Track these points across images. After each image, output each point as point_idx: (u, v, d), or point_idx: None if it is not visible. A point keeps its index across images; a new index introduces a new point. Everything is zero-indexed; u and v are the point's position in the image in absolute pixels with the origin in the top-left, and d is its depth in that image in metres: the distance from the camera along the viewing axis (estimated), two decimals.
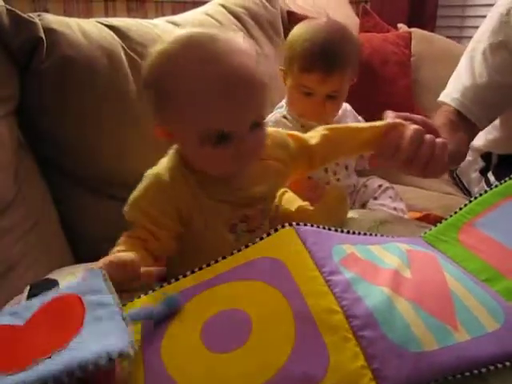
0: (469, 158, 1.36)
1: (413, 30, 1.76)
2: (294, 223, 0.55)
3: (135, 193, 0.65)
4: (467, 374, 0.44)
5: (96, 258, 0.67)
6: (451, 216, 0.66)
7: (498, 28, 1.00)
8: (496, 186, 0.67)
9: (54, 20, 0.84)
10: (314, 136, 0.76)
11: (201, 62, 0.58)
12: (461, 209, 0.66)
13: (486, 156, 1.30)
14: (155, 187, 0.64)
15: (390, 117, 0.73)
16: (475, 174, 1.34)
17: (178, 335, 0.48)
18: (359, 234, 0.59)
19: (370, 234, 0.61)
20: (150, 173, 0.66)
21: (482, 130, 1.06)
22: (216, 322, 0.47)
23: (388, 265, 0.52)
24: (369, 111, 1.36)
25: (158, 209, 0.64)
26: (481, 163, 1.32)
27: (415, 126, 0.69)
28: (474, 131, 1.04)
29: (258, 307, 0.48)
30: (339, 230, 0.57)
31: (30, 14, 0.81)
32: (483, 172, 1.30)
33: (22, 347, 0.45)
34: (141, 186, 0.65)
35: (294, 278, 0.49)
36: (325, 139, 0.75)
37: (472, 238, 0.62)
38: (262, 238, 0.55)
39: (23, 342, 0.46)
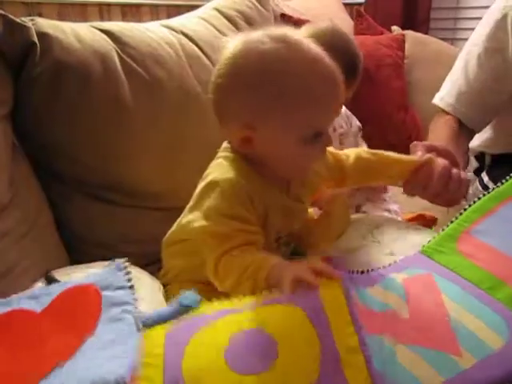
0: None
1: (406, 32, 1.77)
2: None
3: (209, 204, 0.61)
4: None
5: (91, 261, 0.68)
6: (448, 226, 0.66)
7: (492, 33, 1.01)
8: (488, 192, 0.68)
9: (47, 24, 0.84)
10: (350, 156, 0.77)
11: (311, 62, 0.59)
12: (457, 218, 0.66)
13: (479, 157, 1.31)
14: (231, 190, 0.61)
15: (420, 149, 0.77)
16: (469, 175, 1.34)
17: (200, 352, 0.47)
18: (357, 272, 0.58)
19: (368, 271, 0.59)
20: (218, 179, 0.62)
21: (478, 133, 1.06)
22: (241, 342, 0.48)
23: (386, 306, 0.53)
24: (363, 113, 1.38)
25: (243, 207, 0.61)
26: (474, 164, 1.32)
27: (443, 163, 0.73)
28: (471, 135, 1.05)
29: (284, 331, 0.48)
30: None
31: (23, 19, 0.81)
32: (477, 172, 1.31)
33: (35, 338, 0.45)
34: (213, 196, 0.61)
35: (326, 310, 0.49)
36: (361, 163, 0.77)
37: (471, 247, 0.62)
38: None
39: (37, 332, 0.46)
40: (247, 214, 0.61)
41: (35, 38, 0.81)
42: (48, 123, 0.84)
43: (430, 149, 0.78)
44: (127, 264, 0.52)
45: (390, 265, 0.61)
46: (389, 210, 0.99)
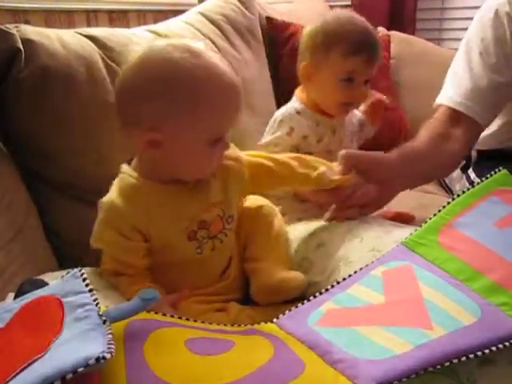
0: None
1: (392, 32, 1.79)
2: (274, 320, 0.59)
3: (96, 225, 0.69)
4: (438, 367, 0.46)
5: (80, 264, 0.68)
6: (430, 219, 0.67)
7: (489, 29, 1.03)
8: (473, 186, 0.70)
9: (32, 31, 0.85)
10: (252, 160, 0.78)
11: (213, 72, 0.64)
12: (439, 211, 0.68)
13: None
14: (112, 215, 0.68)
15: (342, 163, 0.80)
16: (456, 172, 1.36)
17: (161, 342, 0.49)
18: (344, 279, 0.62)
19: (355, 273, 0.63)
20: (104, 202, 0.69)
21: (484, 128, 1.05)
22: (200, 340, 0.51)
23: (363, 301, 0.56)
24: None
25: (122, 235, 0.67)
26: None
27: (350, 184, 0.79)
28: (476, 131, 1.04)
29: (241, 338, 0.53)
30: (322, 290, 0.61)
31: (8, 25, 0.82)
32: (464, 169, 1.33)
33: (3, 350, 0.46)
34: (99, 218, 0.69)
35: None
36: (260, 170, 0.77)
37: (451, 239, 0.64)
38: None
39: (4, 345, 0.47)
40: (120, 239, 0.68)
41: (20, 44, 0.82)
42: (34, 128, 0.85)
43: (355, 159, 0.82)
44: (83, 271, 0.53)
45: (372, 262, 0.63)
46: None
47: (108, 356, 0.41)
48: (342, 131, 0.99)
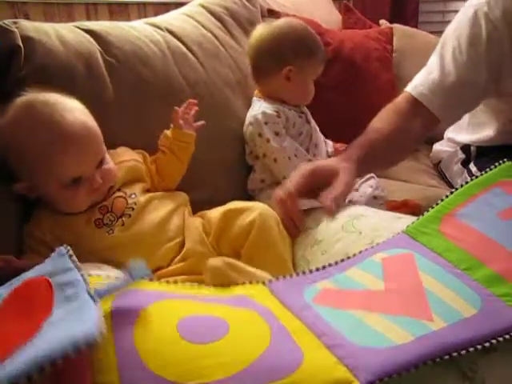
0: (451, 149, 1.38)
1: (394, 25, 1.77)
2: (266, 282, 0.58)
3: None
4: (438, 360, 0.46)
5: None
6: (432, 208, 0.67)
7: (466, 28, 1.02)
8: (477, 177, 0.69)
9: (31, 27, 0.84)
10: None
11: (42, 125, 0.71)
12: (442, 200, 0.67)
13: (465, 148, 1.32)
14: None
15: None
16: (457, 167, 1.35)
17: (151, 327, 0.48)
18: (342, 260, 0.62)
19: (354, 255, 0.63)
20: None
21: (441, 123, 1.05)
22: (193, 321, 0.50)
23: (362, 286, 0.56)
24: (352, 106, 1.39)
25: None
26: (461, 155, 1.33)
27: None
28: (432, 125, 1.04)
29: (235, 317, 0.51)
30: (319, 266, 0.61)
31: (7, 22, 0.81)
32: (464, 164, 1.32)
33: None
34: None
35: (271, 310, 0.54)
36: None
37: (453, 229, 0.63)
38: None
39: None
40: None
41: (19, 42, 0.81)
42: None
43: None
44: (69, 248, 0.52)
45: (372, 247, 0.63)
46: (374, 197, 1.01)
47: (98, 337, 0.40)
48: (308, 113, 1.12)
